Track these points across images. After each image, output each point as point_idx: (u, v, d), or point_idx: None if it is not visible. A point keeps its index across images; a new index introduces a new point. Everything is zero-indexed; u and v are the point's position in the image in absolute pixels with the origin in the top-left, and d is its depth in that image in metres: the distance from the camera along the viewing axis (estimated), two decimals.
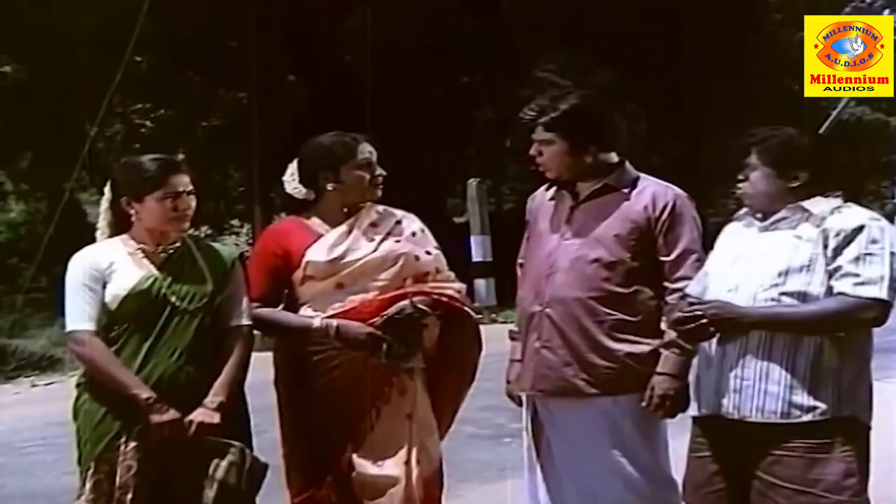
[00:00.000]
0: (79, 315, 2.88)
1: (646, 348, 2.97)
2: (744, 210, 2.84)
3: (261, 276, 3.11)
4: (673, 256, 2.99)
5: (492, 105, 15.47)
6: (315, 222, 3.16)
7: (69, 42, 12.82)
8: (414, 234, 3.19)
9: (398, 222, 3.20)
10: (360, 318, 3.03)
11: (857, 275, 2.56)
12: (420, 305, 3.06)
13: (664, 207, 3.01)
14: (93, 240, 3.05)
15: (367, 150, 3.13)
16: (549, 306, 3.03)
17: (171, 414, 2.78)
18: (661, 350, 2.94)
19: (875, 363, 2.77)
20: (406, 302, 3.04)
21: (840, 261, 2.59)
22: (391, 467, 3.03)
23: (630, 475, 3.00)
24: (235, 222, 17.83)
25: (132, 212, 2.91)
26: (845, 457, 2.61)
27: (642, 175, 3.12)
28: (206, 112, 16.35)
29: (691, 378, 2.93)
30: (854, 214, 2.66)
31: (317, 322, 3.03)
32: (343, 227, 3.12)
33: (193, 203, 2.94)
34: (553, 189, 3.17)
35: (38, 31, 12.67)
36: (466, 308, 3.25)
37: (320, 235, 3.12)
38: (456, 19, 14.46)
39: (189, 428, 2.79)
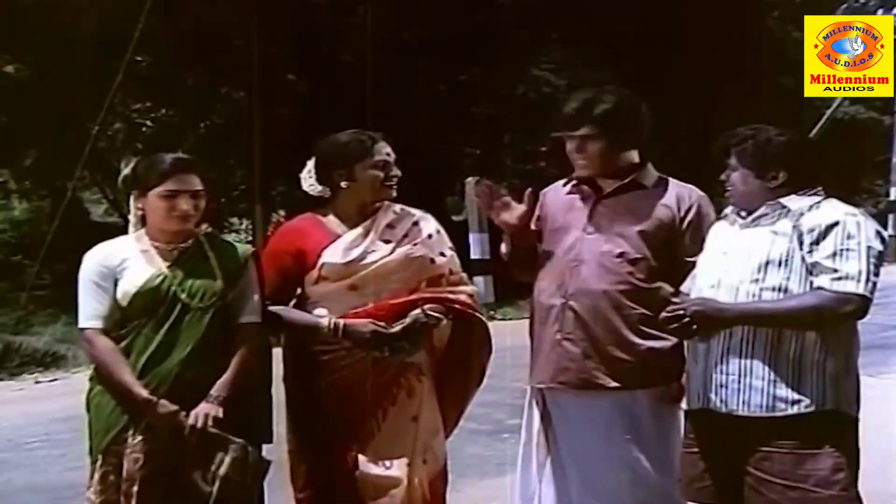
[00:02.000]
0: (88, 312, 2.91)
1: (667, 344, 2.99)
2: (729, 208, 2.88)
3: (272, 274, 3.11)
4: (697, 255, 3.00)
5: (490, 103, 15.48)
6: (331, 220, 3.16)
7: (71, 41, 12.83)
8: (430, 235, 3.19)
9: (415, 223, 3.19)
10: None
11: (834, 270, 2.59)
12: (432, 313, 3.07)
13: (689, 208, 3.04)
14: (95, 238, 3.08)
15: (383, 151, 3.12)
16: (572, 298, 3.04)
17: (169, 409, 2.81)
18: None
19: (871, 359, 2.79)
20: (419, 311, 3.05)
21: (817, 256, 2.62)
22: (394, 468, 3.04)
23: (641, 469, 3.01)
24: (235, 220, 17.84)
25: (139, 207, 2.95)
26: (834, 451, 2.63)
27: (661, 175, 3.14)
28: (207, 111, 16.36)
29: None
30: (830, 210, 2.69)
31: (325, 321, 3.04)
32: (359, 229, 3.12)
33: (200, 204, 2.94)
34: (571, 184, 3.19)
35: (40, 31, 12.69)
36: (477, 313, 3.24)
37: (337, 235, 3.12)
38: (454, 17, 14.47)
39: (189, 421, 2.81)
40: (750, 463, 2.68)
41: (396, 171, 3.15)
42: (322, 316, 3.07)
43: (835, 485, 2.61)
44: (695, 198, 3.07)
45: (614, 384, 3.00)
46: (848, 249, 2.60)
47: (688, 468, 2.85)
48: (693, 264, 2.97)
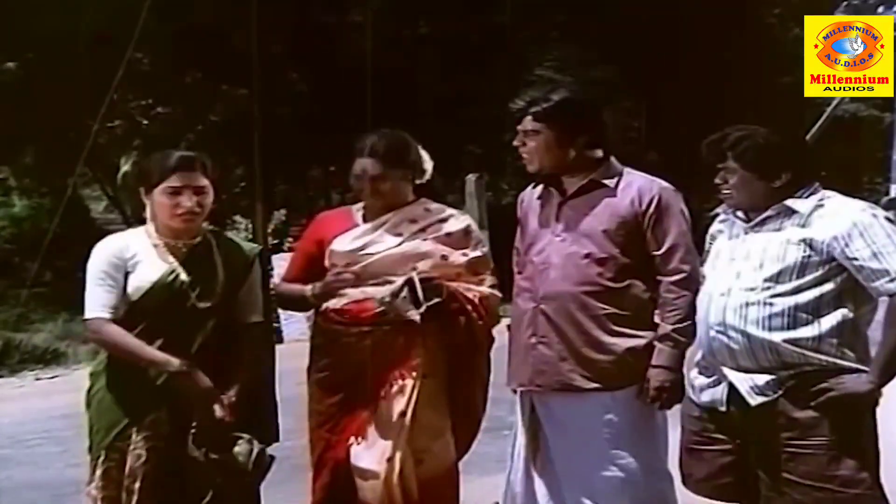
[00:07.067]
0: (97, 303, 2.88)
1: (641, 342, 2.99)
2: (722, 207, 2.84)
3: (297, 258, 3.26)
4: (663, 250, 2.99)
5: (490, 100, 15.48)
6: (360, 212, 3.21)
7: (72, 39, 12.86)
8: (449, 234, 3.17)
9: (441, 220, 3.19)
10: (360, 314, 3.06)
11: (886, 272, 2.55)
12: (418, 283, 2.97)
13: (650, 202, 3.01)
14: (96, 234, 3.09)
15: (360, 167, 3.12)
16: (543, 302, 3.04)
17: (204, 382, 2.80)
18: (656, 343, 2.96)
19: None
20: (412, 273, 3.01)
21: (861, 259, 2.57)
22: (375, 462, 3.07)
23: (628, 468, 3.01)
24: (236, 218, 17.85)
25: (147, 203, 2.93)
26: (858, 450, 2.61)
27: (627, 169, 3.11)
28: (207, 108, 16.38)
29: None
30: (842, 209, 2.65)
31: (308, 289, 3.12)
32: (380, 220, 3.14)
33: (205, 201, 2.90)
34: (540, 187, 3.19)
35: (40, 28, 12.72)
36: (476, 314, 3.11)
37: (356, 225, 3.16)
38: (456, 15, 14.49)
39: (217, 414, 2.81)
40: (773, 464, 2.65)
41: (379, 187, 3.09)
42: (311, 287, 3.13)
43: (860, 484, 2.60)
44: (656, 190, 3.04)
45: (592, 385, 3.00)
46: (884, 246, 2.57)
47: (700, 465, 2.83)
48: (660, 259, 2.96)
